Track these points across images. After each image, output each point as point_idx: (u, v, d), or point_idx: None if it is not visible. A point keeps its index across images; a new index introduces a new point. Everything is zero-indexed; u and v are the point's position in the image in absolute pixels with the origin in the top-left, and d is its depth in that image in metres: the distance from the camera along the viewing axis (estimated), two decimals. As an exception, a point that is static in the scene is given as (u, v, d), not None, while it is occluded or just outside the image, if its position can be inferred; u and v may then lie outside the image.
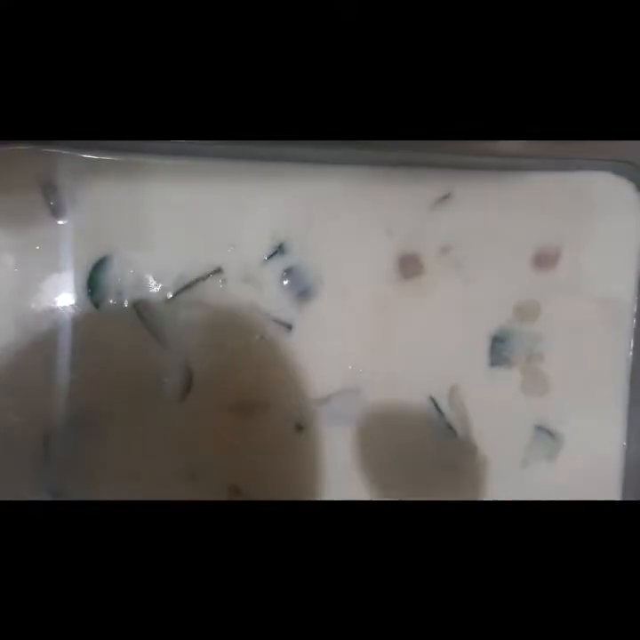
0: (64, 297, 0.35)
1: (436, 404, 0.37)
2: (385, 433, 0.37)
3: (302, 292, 0.36)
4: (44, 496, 0.35)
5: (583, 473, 0.38)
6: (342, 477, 0.37)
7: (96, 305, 0.35)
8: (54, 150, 0.34)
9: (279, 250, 0.35)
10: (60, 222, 0.34)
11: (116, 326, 0.35)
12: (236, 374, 0.36)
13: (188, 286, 0.35)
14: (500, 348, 0.37)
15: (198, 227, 0.35)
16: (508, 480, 0.38)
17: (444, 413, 0.37)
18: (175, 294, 0.35)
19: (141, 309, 0.35)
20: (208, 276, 0.35)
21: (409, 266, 0.36)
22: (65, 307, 0.35)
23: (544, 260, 0.36)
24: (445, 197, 0.36)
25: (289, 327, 0.36)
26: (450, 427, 0.37)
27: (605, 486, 0.38)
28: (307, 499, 0.37)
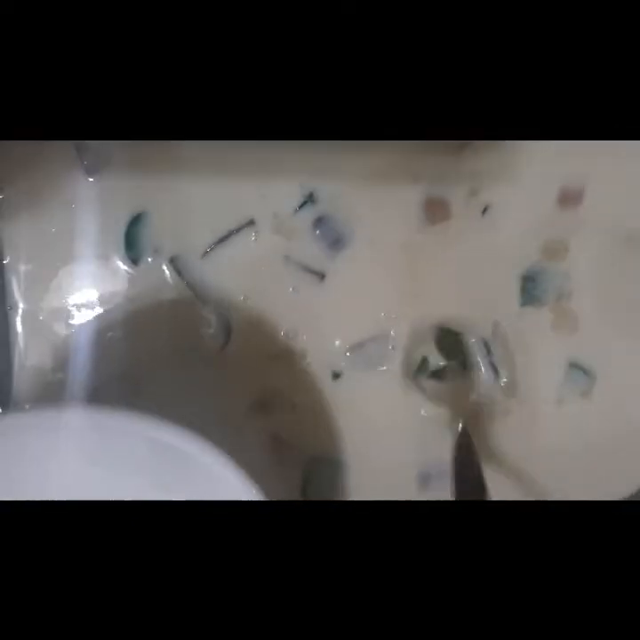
0: (102, 255, 0.36)
1: (486, 345, 0.37)
2: (419, 377, 0.38)
3: (334, 241, 0.37)
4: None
5: (618, 408, 0.38)
6: (379, 423, 0.37)
7: (134, 262, 0.36)
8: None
9: (309, 199, 0.36)
10: (95, 180, 0.35)
11: (155, 282, 0.36)
12: (271, 325, 0.37)
13: (222, 240, 0.36)
14: (530, 288, 0.37)
15: (230, 178, 0.36)
16: (545, 419, 0.38)
17: (492, 353, 0.37)
18: (210, 248, 0.36)
19: (179, 264, 0.36)
20: (241, 228, 0.36)
21: (436, 210, 0.37)
22: (103, 265, 0.36)
23: (569, 197, 0.37)
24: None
25: (322, 276, 0.37)
26: (494, 368, 0.37)
27: (641, 419, 0.38)
28: (347, 444, 0.37)
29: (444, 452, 0.37)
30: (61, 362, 0.36)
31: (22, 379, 0.36)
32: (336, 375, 0.37)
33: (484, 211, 0.37)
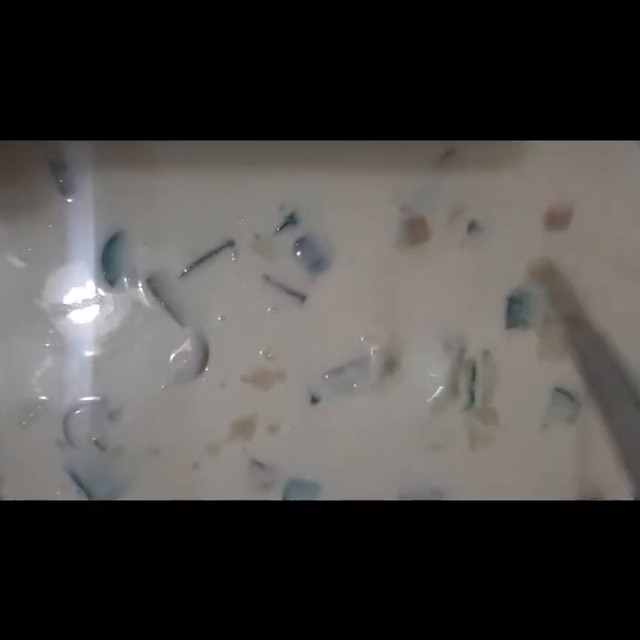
0: (78, 276, 0.35)
1: (470, 368, 0.37)
2: (400, 402, 0.37)
3: (315, 262, 0.36)
4: (64, 476, 0.36)
5: (603, 433, 0.38)
6: (359, 447, 0.37)
7: (111, 283, 0.35)
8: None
9: (290, 220, 0.35)
10: (70, 200, 0.35)
11: (132, 303, 0.35)
12: (250, 347, 0.36)
13: (201, 260, 0.35)
14: (517, 310, 0.37)
15: (209, 199, 0.35)
16: (529, 444, 0.37)
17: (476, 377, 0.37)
18: (188, 269, 0.35)
19: (155, 285, 0.35)
20: (220, 249, 0.35)
21: (419, 230, 0.36)
22: (79, 286, 0.35)
23: (556, 219, 0.36)
24: (449, 154, 0.35)
25: (302, 298, 0.36)
26: (471, 394, 0.37)
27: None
28: (324, 470, 0.37)
29: (423, 475, 0.37)
30: (37, 384, 0.35)
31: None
32: (315, 400, 0.36)
33: (469, 230, 0.36)
